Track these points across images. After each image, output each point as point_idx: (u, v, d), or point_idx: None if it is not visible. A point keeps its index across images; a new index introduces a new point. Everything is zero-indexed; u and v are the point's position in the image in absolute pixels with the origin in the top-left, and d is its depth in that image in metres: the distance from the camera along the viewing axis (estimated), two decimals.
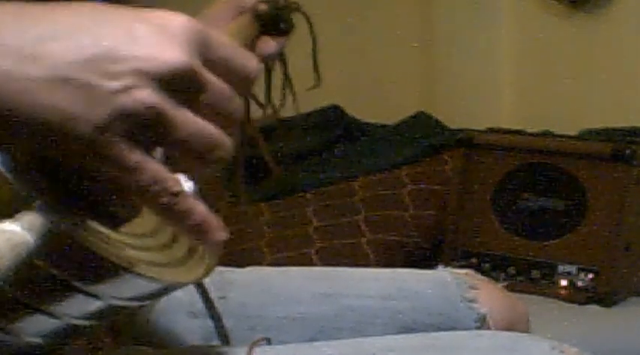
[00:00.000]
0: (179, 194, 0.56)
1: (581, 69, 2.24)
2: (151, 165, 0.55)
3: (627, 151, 1.78)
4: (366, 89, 2.43)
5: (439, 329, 0.97)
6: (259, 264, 1.83)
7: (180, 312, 0.95)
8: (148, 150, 0.55)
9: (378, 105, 2.38)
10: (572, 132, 1.99)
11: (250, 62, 0.58)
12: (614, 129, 2.00)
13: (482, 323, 1.00)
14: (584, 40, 2.23)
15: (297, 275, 1.03)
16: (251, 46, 0.88)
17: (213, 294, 0.93)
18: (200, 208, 0.57)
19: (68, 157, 0.55)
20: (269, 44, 0.89)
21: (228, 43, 0.58)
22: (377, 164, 2.12)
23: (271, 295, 0.98)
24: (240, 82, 0.58)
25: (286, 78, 0.94)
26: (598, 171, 1.81)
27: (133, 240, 0.65)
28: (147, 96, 0.53)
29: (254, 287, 0.99)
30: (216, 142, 0.56)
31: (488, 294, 1.03)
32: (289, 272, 1.05)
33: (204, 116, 0.56)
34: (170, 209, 0.56)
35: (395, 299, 0.99)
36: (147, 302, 0.67)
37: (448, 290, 1.02)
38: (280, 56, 0.92)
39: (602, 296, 1.78)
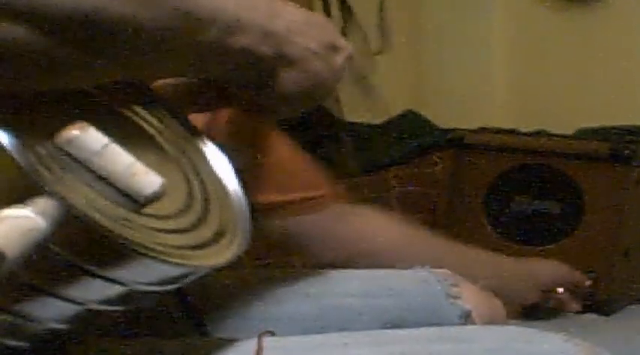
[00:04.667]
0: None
1: (577, 65, 2.24)
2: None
3: (626, 151, 1.76)
4: (351, 86, 2.41)
5: (424, 325, 0.96)
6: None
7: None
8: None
9: (364, 104, 2.36)
10: (568, 131, 1.98)
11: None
12: (612, 128, 1.99)
13: (466, 319, 1.02)
14: (580, 35, 2.24)
15: (277, 277, 1.04)
16: None
17: (192, 297, 0.94)
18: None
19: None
20: None
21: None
22: (363, 165, 2.11)
23: (253, 296, 0.99)
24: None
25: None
26: (595, 172, 1.79)
27: (156, 222, 0.68)
28: (342, 60, 0.85)
29: (235, 290, 1.00)
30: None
31: (469, 291, 1.06)
32: (268, 274, 1.07)
33: None
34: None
35: (378, 297, 1.02)
36: (172, 286, 0.69)
37: (431, 287, 1.04)
38: None
39: (600, 303, 1.75)
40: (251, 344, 0.78)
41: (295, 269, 1.15)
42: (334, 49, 0.83)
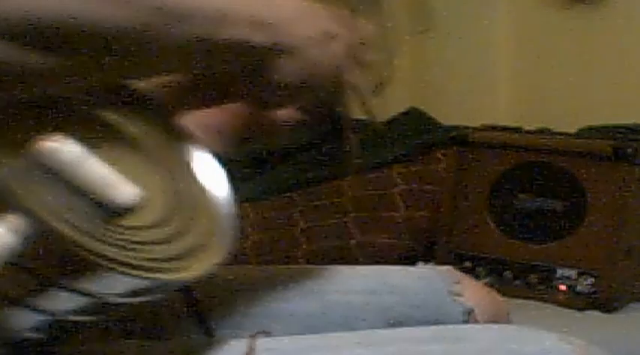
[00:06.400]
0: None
1: (581, 63, 2.23)
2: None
3: (629, 150, 1.75)
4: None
5: (426, 322, 0.98)
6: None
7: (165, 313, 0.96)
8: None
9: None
10: (572, 130, 1.97)
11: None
12: (615, 127, 1.98)
13: (468, 316, 1.03)
14: (584, 33, 2.22)
15: (281, 274, 1.04)
16: None
17: (196, 294, 0.94)
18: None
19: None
20: None
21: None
22: (367, 162, 2.09)
23: (257, 293, 0.99)
24: None
25: None
26: (598, 170, 1.78)
27: (133, 234, 0.67)
28: (340, 48, 0.82)
29: (239, 286, 1.00)
30: None
31: (472, 288, 1.06)
32: (273, 271, 1.06)
33: None
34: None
35: (381, 294, 1.01)
36: (146, 298, 0.68)
37: (433, 285, 1.04)
38: None
39: (602, 301, 1.75)
40: (242, 345, 0.77)
41: (299, 266, 1.15)
42: (331, 36, 0.81)
